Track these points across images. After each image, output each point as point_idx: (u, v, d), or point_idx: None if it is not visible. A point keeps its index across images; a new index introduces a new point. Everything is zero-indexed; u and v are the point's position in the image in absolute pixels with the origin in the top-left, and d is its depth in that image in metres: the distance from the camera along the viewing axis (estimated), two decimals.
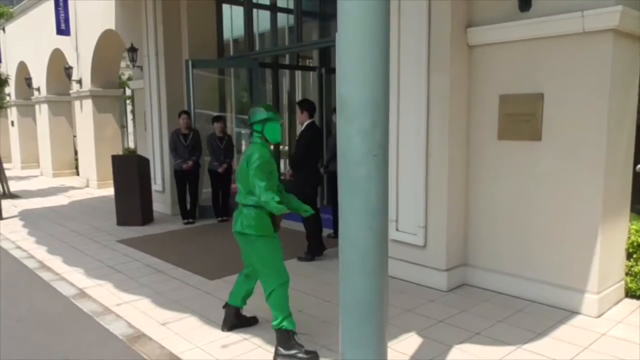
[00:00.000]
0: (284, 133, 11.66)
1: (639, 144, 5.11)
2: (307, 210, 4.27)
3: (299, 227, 7.44)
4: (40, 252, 7.33)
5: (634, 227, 5.04)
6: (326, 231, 7.01)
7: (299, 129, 12.01)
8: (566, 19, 4.56)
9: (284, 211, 3.95)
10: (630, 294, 5.05)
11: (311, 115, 6.53)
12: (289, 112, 11.93)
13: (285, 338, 3.96)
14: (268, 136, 4.10)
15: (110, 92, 14.26)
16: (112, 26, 12.25)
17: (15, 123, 19.85)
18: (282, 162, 11.97)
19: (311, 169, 6.54)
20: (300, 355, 3.90)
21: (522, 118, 4.97)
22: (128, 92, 18.85)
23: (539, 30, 4.76)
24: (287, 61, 12.12)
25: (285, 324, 3.97)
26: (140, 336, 4.42)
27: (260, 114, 4.07)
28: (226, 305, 4.48)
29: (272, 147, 4.26)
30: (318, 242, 6.60)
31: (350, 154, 2.68)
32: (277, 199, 3.87)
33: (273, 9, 10.15)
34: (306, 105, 6.59)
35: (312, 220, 6.54)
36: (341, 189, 2.76)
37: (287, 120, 11.82)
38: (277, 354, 3.96)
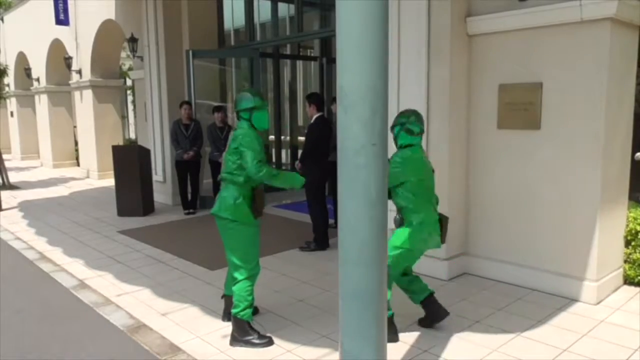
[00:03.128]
0: (284, 124, 11.65)
1: (637, 132, 5.12)
2: (299, 180, 4.20)
3: (303, 217, 7.45)
4: (40, 243, 7.35)
5: (632, 214, 5.06)
6: (330, 221, 7.02)
7: (300, 120, 12.10)
8: (564, 8, 4.55)
9: (278, 180, 4.00)
10: (628, 281, 5.08)
11: (319, 109, 6.54)
12: (290, 102, 11.91)
13: (240, 326, 4.04)
14: (256, 124, 4.10)
15: (111, 83, 14.23)
16: (112, 16, 12.21)
17: (15, 114, 19.81)
18: (283, 152, 11.97)
19: (319, 162, 6.54)
20: (255, 340, 4.01)
21: (521, 107, 4.96)
22: (129, 82, 18.81)
23: (537, 19, 4.75)
24: (288, 51, 12.08)
25: (242, 314, 4.02)
26: (140, 327, 4.44)
27: (247, 101, 4.06)
28: (224, 296, 4.48)
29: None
30: (324, 235, 6.60)
31: (349, 143, 2.67)
32: (270, 171, 3.92)
33: None
34: (314, 99, 6.60)
35: (318, 212, 6.56)
36: (340, 178, 2.76)
37: (288, 110, 11.80)
38: (233, 339, 4.07)
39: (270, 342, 4.04)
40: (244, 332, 4.04)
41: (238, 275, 4.05)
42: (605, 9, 4.34)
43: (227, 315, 4.40)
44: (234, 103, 4.17)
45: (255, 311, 4.54)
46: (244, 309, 4.02)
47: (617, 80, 4.63)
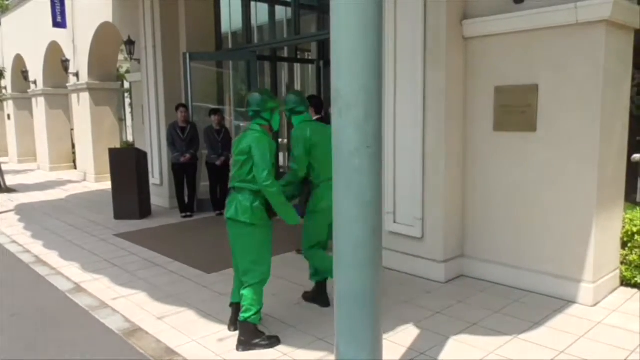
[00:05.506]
0: (282, 126, 11.64)
1: (633, 133, 5.12)
2: (294, 219, 4.13)
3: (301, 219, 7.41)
4: (37, 247, 7.32)
5: (628, 216, 5.06)
6: None
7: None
8: (559, 11, 4.57)
9: (287, 211, 4.02)
10: (625, 282, 5.08)
11: (318, 111, 6.52)
12: None
13: (249, 329, 4.01)
14: (275, 126, 4.11)
15: (108, 85, 14.23)
16: (110, 19, 12.20)
17: (12, 116, 19.80)
18: (281, 154, 11.96)
19: None
20: (262, 342, 4.01)
21: (517, 109, 4.97)
22: (127, 85, 18.79)
23: (533, 22, 4.76)
24: (285, 54, 12.07)
25: (253, 318, 3.99)
26: (136, 330, 4.42)
27: (272, 102, 4.05)
28: (232, 304, 4.35)
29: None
30: None
31: (344, 146, 2.67)
32: (279, 191, 3.91)
33: (271, 1, 10.10)
34: (312, 101, 6.59)
35: None
36: (335, 180, 2.76)
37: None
38: (240, 342, 4.02)
39: (277, 341, 4.05)
40: (254, 335, 4.01)
41: (250, 279, 3.98)
42: (600, 12, 4.35)
43: (234, 324, 4.28)
44: (249, 104, 4.07)
45: None
46: (255, 314, 3.98)
47: (613, 82, 4.63)
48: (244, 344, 4.00)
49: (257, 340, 4.00)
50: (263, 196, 3.96)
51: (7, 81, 18.76)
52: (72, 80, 14.51)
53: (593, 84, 4.50)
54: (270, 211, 4.02)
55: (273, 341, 4.04)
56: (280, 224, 4.15)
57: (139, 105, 11.38)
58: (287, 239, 7.01)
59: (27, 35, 17.11)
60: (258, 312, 4.01)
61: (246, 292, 3.99)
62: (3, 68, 15.75)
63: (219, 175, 8.78)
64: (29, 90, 17.79)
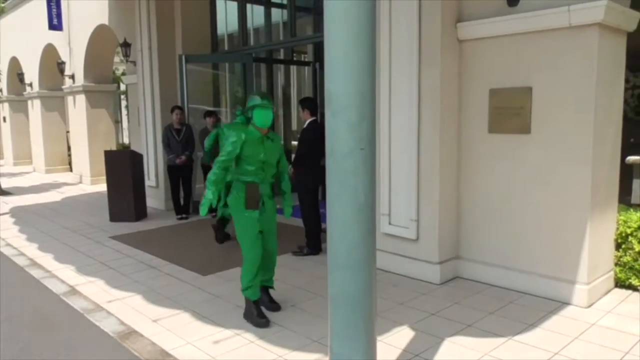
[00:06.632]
0: (278, 128, 11.64)
1: (627, 135, 5.14)
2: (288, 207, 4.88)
3: (296, 221, 7.42)
4: (31, 249, 7.30)
5: (622, 217, 5.08)
6: (322, 225, 7.02)
7: (294, 125, 12.09)
8: (553, 14, 4.59)
9: (209, 198, 4.55)
10: (619, 283, 5.09)
11: (313, 113, 6.53)
12: (283, 107, 11.89)
13: (246, 301, 4.58)
14: (257, 122, 4.48)
15: (104, 87, 14.20)
16: (106, 21, 12.18)
17: (8, 119, 19.76)
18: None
19: (312, 166, 6.53)
20: (249, 320, 4.48)
21: (511, 111, 4.99)
22: (123, 87, 18.76)
23: (526, 25, 4.79)
24: (281, 56, 12.09)
25: (243, 292, 4.52)
26: (131, 333, 4.41)
27: (251, 101, 4.51)
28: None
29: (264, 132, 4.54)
30: (316, 239, 6.59)
31: (338, 148, 2.68)
32: (216, 175, 4.45)
33: (267, 4, 10.13)
34: (306, 104, 6.61)
35: (311, 217, 6.55)
36: (329, 182, 2.76)
37: (282, 115, 11.79)
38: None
39: (265, 324, 4.41)
40: (248, 310, 4.54)
41: (244, 255, 4.50)
42: (593, 15, 4.38)
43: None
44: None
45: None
46: (244, 289, 4.49)
47: (606, 84, 4.66)
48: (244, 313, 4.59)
49: (248, 316, 4.51)
50: (238, 188, 4.52)
51: (2, 83, 18.71)
52: (68, 82, 14.49)
53: (586, 87, 4.53)
54: (248, 202, 4.49)
55: (261, 322, 4.41)
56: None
57: (135, 107, 11.36)
58: (283, 240, 7.03)
59: (22, 38, 17.07)
60: (246, 288, 4.47)
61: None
62: None
63: None
64: (24, 93, 17.74)
